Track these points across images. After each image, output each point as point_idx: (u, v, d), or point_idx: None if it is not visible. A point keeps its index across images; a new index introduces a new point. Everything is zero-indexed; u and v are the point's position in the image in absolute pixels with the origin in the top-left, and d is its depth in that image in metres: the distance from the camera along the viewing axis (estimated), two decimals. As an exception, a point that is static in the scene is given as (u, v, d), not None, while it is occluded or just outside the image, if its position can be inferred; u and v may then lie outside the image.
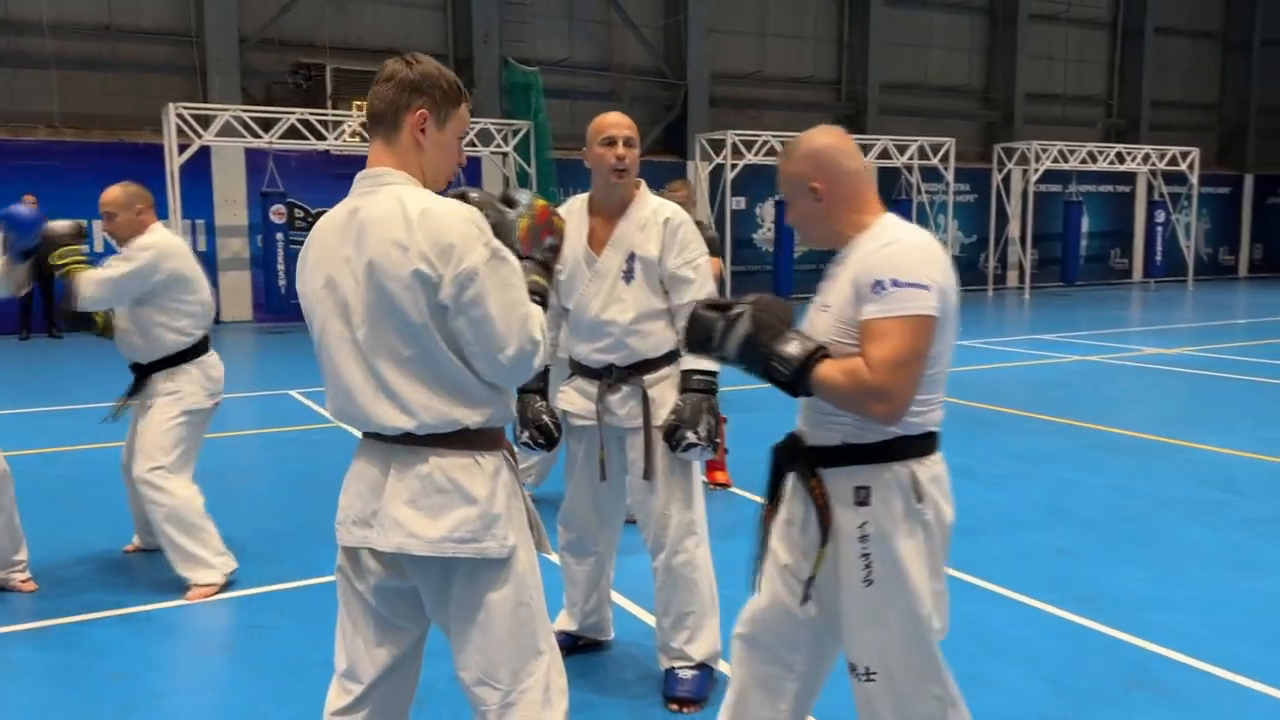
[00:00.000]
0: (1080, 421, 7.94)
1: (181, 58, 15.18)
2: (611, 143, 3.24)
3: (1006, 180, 20.80)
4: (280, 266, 14.27)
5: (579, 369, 3.45)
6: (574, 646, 3.71)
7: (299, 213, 15.21)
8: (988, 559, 4.74)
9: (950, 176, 19.37)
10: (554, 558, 3.50)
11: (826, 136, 2.33)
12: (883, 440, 2.22)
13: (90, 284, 4.31)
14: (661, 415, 3.28)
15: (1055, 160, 20.09)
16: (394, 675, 2.26)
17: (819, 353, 2.16)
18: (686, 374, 3.26)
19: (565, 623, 3.74)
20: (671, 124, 18.74)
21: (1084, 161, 20.72)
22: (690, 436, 3.16)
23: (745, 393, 8.66)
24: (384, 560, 2.16)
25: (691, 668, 3.37)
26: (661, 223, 3.28)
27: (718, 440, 3.25)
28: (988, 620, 4.05)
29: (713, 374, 3.22)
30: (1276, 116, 25.89)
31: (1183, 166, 21.89)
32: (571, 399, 3.46)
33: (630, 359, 3.33)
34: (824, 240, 2.35)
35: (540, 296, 2.17)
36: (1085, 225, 21.61)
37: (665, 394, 3.32)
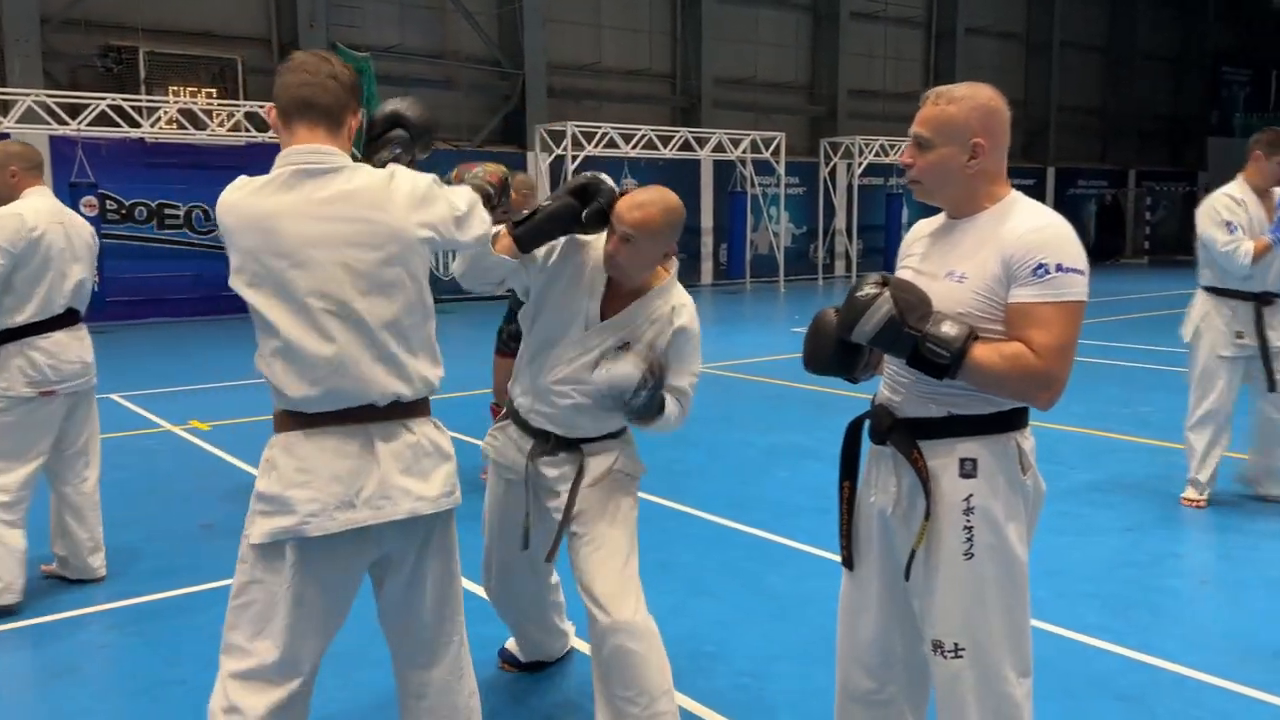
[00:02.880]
0: (915, 403, 8.31)
1: (-26, 37, 13.99)
2: (627, 239, 2.73)
3: (833, 174, 21.56)
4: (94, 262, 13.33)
5: (514, 416, 3.02)
6: (520, 665, 3.52)
7: (112, 204, 14.28)
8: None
9: (781, 170, 19.90)
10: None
11: (999, 99, 2.21)
12: (990, 413, 2.19)
13: None
14: (592, 475, 2.91)
15: (877, 154, 20.95)
16: (315, 666, 2.34)
17: (973, 334, 2.10)
18: None
19: (512, 645, 3.54)
20: (509, 114, 18.56)
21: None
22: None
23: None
24: (369, 536, 2.27)
25: None
26: (676, 328, 2.85)
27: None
28: (851, 597, 4.19)
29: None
30: (1075, 114, 27.91)
31: (993, 160, 23.24)
32: (502, 449, 3.04)
33: (573, 433, 2.93)
34: (950, 200, 2.25)
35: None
36: (905, 216, 22.55)
37: (603, 463, 2.93)
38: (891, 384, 2.34)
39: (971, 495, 2.19)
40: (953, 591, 2.22)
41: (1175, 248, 29.28)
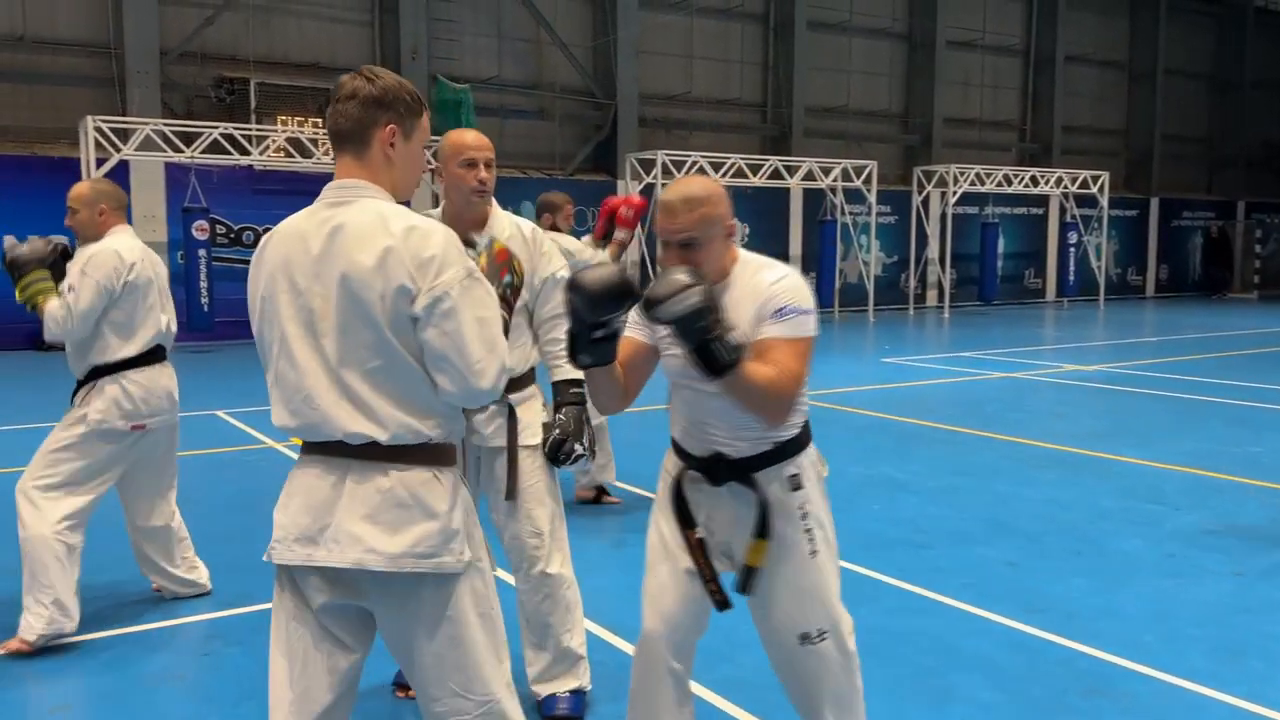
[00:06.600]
0: (1009, 436, 8.14)
1: (99, 70, 14.74)
2: (472, 165, 3.22)
3: (926, 202, 21.29)
4: (203, 284, 13.88)
5: None
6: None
7: (221, 229, 14.86)
8: (937, 572, 4.82)
9: (873, 198, 19.74)
10: (506, 577, 3.45)
11: (716, 183, 2.59)
12: (797, 434, 2.62)
13: (53, 320, 4.00)
14: (525, 435, 3.31)
15: (972, 183, 20.64)
16: (343, 702, 2.20)
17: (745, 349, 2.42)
18: (563, 385, 3.33)
19: None
20: (601, 143, 18.79)
21: (1000, 184, 21.33)
22: (578, 448, 3.27)
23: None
24: (330, 577, 2.12)
25: (570, 692, 3.39)
26: (529, 235, 3.34)
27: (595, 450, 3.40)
28: (945, 633, 4.11)
29: (583, 384, 3.18)
30: (1179, 143, 27.06)
31: (1093, 190, 22.68)
32: None
33: None
34: (716, 275, 2.55)
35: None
36: (1001, 246, 22.21)
37: (529, 413, 3.35)
38: (720, 438, 2.59)
39: (804, 503, 2.59)
40: (810, 587, 2.57)
41: (1287, 282, 28.16)
